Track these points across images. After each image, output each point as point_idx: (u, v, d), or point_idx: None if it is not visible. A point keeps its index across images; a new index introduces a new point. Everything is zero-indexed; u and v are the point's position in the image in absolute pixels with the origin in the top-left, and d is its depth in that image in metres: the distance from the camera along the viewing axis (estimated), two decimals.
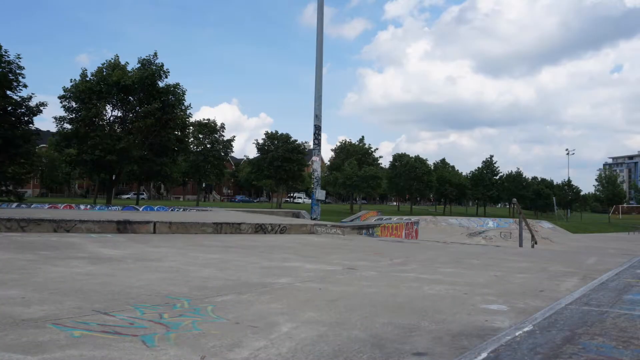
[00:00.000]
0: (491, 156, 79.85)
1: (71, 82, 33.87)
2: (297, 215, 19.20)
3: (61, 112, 35.67)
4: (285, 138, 57.44)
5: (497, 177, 79.51)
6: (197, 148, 51.43)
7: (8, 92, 32.29)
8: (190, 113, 38.46)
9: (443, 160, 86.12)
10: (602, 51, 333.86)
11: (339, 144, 73.78)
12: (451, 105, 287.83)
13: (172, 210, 23.68)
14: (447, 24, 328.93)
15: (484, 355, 1.74)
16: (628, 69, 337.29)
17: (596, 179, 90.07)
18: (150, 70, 34.73)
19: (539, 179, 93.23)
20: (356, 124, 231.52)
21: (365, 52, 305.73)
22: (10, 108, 32.53)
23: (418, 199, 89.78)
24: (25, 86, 33.33)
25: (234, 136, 57.17)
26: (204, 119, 52.40)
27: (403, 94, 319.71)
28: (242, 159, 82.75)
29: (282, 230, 9.56)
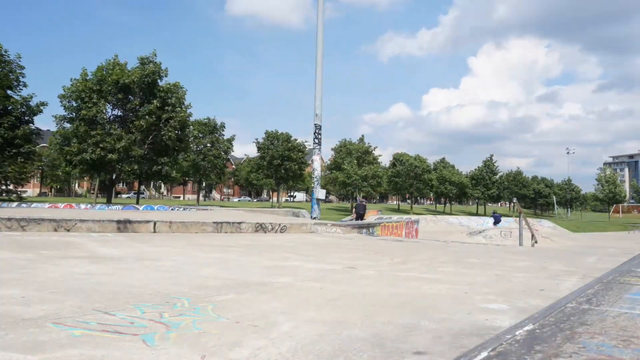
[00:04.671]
0: (491, 155, 80.00)
1: (71, 81, 33.88)
2: (297, 215, 19.20)
3: (61, 112, 35.66)
4: (286, 137, 57.45)
5: (497, 177, 79.65)
6: (197, 147, 51.41)
7: (8, 92, 32.35)
8: (190, 112, 38.40)
9: (443, 160, 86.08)
10: None
11: (338, 143, 73.80)
12: None
13: (172, 209, 23.67)
14: None
15: (484, 354, 1.74)
16: None
17: (596, 179, 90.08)
18: (150, 69, 34.68)
19: (539, 178, 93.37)
20: None
21: None
22: (10, 107, 32.57)
23: (418, 198, 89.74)
24: (25, 85, 33.44)
25: (234, 135, 57.21)
26: (204, 119, 52.42)
27: None
28: (242, 159, 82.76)
29: (282, 229, 9.56)
